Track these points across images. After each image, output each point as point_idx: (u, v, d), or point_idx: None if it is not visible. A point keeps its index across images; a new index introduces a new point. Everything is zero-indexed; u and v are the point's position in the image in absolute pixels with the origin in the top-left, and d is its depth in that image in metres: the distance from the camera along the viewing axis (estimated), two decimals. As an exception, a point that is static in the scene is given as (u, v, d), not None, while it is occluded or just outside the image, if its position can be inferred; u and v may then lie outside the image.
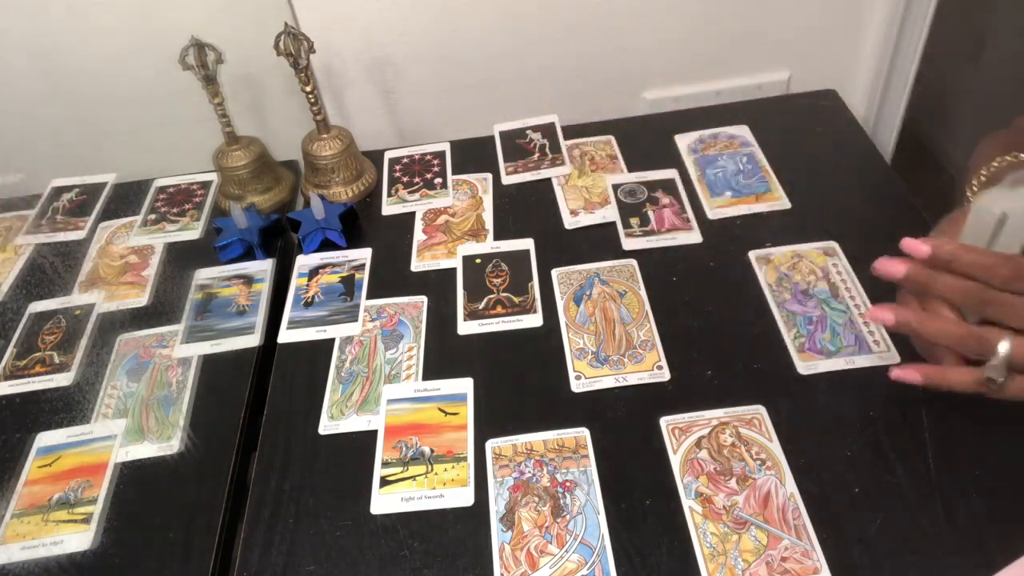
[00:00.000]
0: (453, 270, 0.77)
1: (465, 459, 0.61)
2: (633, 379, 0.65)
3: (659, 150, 0.89)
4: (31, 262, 0.86)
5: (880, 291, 0.68)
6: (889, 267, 0.52)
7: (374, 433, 0.64)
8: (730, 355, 0.66)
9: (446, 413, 0.64)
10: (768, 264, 0.73)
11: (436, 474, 0.60)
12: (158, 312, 0.77)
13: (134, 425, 0.66)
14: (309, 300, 0.76)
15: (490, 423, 0.63)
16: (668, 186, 0.84)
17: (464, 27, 0.91)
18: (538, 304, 0.73)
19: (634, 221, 0.80)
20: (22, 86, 0.91)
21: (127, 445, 0.65)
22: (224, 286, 0.79)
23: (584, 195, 0.84)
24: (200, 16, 0.82)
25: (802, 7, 0.92)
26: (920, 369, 0.54)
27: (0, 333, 0.76)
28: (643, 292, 0.72)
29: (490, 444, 0.62)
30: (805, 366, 0.64)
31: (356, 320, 0.73)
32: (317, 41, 0.78)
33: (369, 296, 0.76)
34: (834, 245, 0.74)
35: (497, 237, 0.81)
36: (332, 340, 0.72)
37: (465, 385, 0.66)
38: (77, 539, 0.59)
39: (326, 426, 0.65)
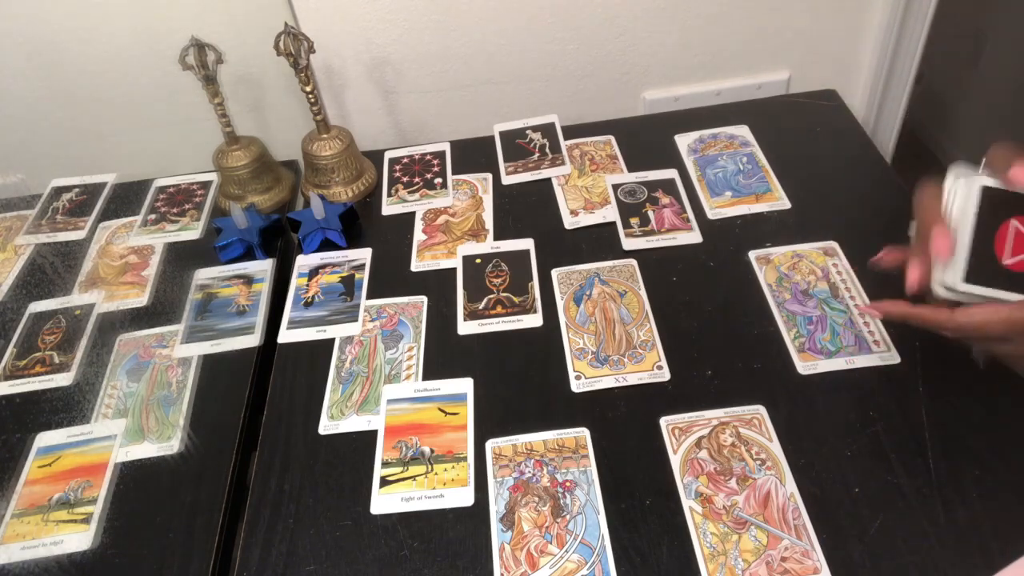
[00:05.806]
0: (453, 270, 0.77)
1: (465, 459, 0.61)
2: (633, 379, 0.65)
3: (659, 150, 0.89)
4: (31, 262, 0.85)
5: (880, 291, 0.68)
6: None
7: (374, 433, 0.64)
8: (730, 355, 0.66)
9: (446, 413, 0.64)
10: (768, 264, 0.73)
11: (436, 474, 0.60)
12: (158, 312, 0.77)
13: (134, 425, 0.66)
14: (309, 300, 0.76)
15: (490, 423, 0.63)
16: (668, 186, 0.83)
17: (464, 27, 0.90)
18: (538, 304, 0.73)
19: (634, 221, 0.80)
20: (22, 86, 0.91)
21: (127, 445, 0.65)
22: (224, 286, 0.79)
23: (584, 195, 0.84)
24: (200, 16, 0.82)
25: (802, 7, 0.92)
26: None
27: (0, 333, 0.76)
28: (643, 292, 0.72)
29: (490, 444, 0.61)
30: (805, 366, 0.64)
31: (356, 320, 0.73)
32: (317, 41, 0.78)
33: (369, 296, 0.76)
34: (834, 245, 0.74)
35: (497, 237, 0.81)
36: (332, 340, 0.72)
37: (465, 385, 0.66)
38: (77, 539, 0.59)
39: (326, 426, 0.65)
